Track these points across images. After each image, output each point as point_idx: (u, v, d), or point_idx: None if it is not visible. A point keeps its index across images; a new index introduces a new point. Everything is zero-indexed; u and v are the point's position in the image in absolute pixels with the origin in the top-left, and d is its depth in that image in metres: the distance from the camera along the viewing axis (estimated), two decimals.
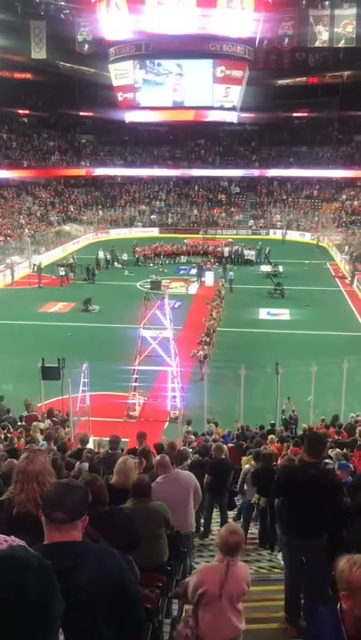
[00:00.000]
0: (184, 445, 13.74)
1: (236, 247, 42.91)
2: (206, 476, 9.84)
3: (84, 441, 11.10)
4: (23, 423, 14.87)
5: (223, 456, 10.18)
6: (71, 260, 38.21)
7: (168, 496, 5.63)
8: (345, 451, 10.45)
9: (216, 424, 16.26)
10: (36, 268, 36.22)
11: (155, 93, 42.77)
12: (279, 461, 9.83)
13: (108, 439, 10.71)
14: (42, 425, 14.61)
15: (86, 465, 7.94)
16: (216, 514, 10.56)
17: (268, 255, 40.38)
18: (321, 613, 2.81)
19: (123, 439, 11.18)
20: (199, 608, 4.15)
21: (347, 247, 42.98)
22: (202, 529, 10.18)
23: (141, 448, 9.00)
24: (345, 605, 2.57)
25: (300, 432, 15.09)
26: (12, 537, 1.78)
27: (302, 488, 5.45)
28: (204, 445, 12.04)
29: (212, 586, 4.07)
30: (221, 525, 10.01)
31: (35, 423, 15.04)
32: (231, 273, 35.71)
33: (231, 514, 10.64)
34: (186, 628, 4.19)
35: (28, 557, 1.62)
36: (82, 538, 2.54)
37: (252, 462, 10.06)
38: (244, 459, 11.37)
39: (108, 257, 40.56)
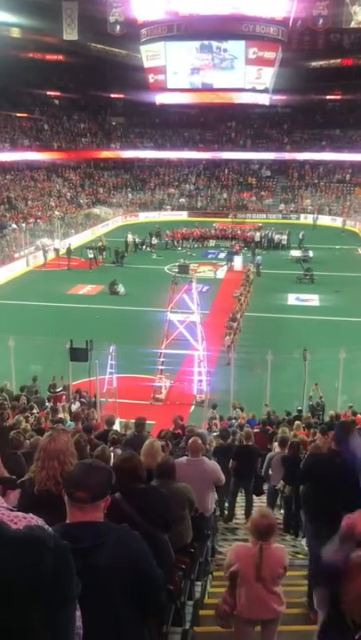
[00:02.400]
0: (208, 429, 13.77)
1: (267, 231, 42.58)
2: (231, 460, 9.87)
3: (111, 422, 11.17)
4: (51, 404, 15.03)
5: (250, 442, 10.20)
6: (100, 243, 38.30)
7: (188, 480, 5.62)
8: None
9: (242, 409, 16.24)
10: (65, 251, 36.38)
11: (186, 75, 42.35)
12: (304, 448, 9.78)
13: (134, 421, 10.78)
14: (73, 407, 14.77)
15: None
16: (240, 498, 10.57)
17: (303, 240, 39.92)
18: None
19: (148, 422, 11.22)
20: (236, 586, 4.17)
21: None
22: (226, 512, 10.22)
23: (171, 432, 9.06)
24: None
25: (326, 419, 14.98)
26: (31, 514, 1.77)
27: (329, 476, 5.41)
28: (225, 429, 12.01)
29: (246, 567, 4.08)
30: (246, 510, 10.05)
31: (63, 404, 15.21)
32: (259, 257, 35.46)
33: (258, 501, 10.63)
34: (224, 604, 4.23)
35: (44, 537, 1.61)
36: (111, 518, 2.54)
37: (278, 449, 10.05)
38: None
39: (137, 240, 40.54)
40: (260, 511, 4.42)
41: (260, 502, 10.65)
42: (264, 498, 10.49)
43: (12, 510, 1.79)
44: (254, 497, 10.36)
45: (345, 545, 2.74)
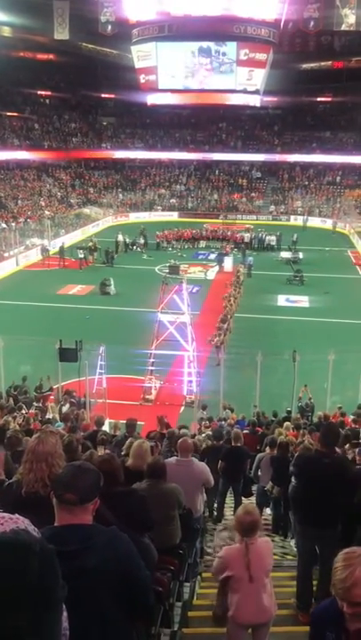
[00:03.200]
0: (198, 431, 13.78)
1: (258, 233, 42.68)
2: (220, 461, 9.87)
3: (100, 423, 11.15)
4: (40, 404, 14.98)
5: (239, 444, 10.20)
6: (90, 243, 38.23)
7: (178, 480, 5.62)
8: None
9: (232, 410, 16.25)
10: (58, 250, 36.28)
11: (177, 76, 42.35)
12: (293, 449, 9.80)
13: (123, 422, 10.76)
14: (64, 408, 14.72)
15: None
16: (230, 499, 10.58)
17: (296, 242, 39.99)
18: (325, 602, 2.80)
19: (139, 422, 11.21)
20: (228, 591, 4.17)
21: None
22: (215, 513, 10.23)
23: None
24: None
25: (316, 420, 15.02)
26: (17, 515, 1.75)
27: (317, 477, 5.46)
28: (218, 430, 12.04)
29: (238, 569, 4.08)
30: (235, 511, 10.06)
31: (51, 404, 15.16)
32: (250, 258, 35.53)
33: (248, 502, 10.64)
34: (218, 608, 4.25)
35: (29, 541, 1.60)
36: (92, 520, 2.54)
37: (267, 449, 10.07)
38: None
39: (128, 240, 40.51)
40: (245, 508, 4.43)
41: (249, 503, 10.68)
42: (253, 498, 10.51)
43: None
44: (243, 498, 10.37)
45: None
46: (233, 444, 10.12)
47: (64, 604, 1.79)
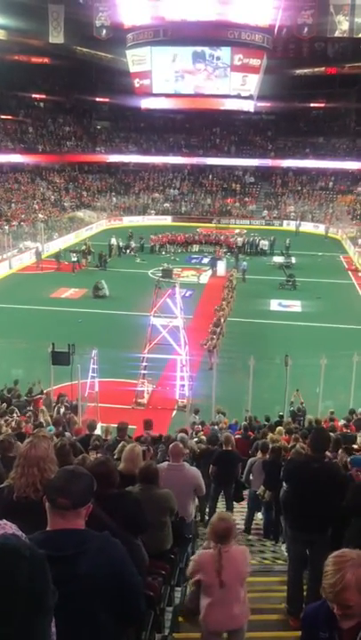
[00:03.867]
0: (191, 434, 13.77)
1: (251, 237, 42.79)
2: (211, 465, 9.86)
3: (92, 427, 11.13)
4: (31, 408, 14.95)
5: (230, 447, 10.19)
6: (83, 247, 38.22)
7: (169, 484, 5.63)
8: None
9: (224, 414, 16.27)
10: (55, 254, 36.34)
11: (172, 80, 42.49)
12: (285, 454, 9.81)
13: (115, 426, 10.75)
14: (61, 411, 14.70)
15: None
16: (222, 504, 10.58)
17: (289, 247, 40.12)
18: (315, 603, 2.81)
19: (130, 426, 11.20)
20: (201, 595, 4.17)
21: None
22: (207, 518, 10.21)
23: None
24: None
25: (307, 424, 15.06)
26: (4, 521, 1.76)
27: (307, 481, 5.48)
28: (213, 434, 12.05)
29: (210, 574, 4.07)
30: (202, 519, 10.01)
31: (42, 408, 15.13)
32: (245, 263, 35.59)
33: (239, 506, 10.66)
34: (190, 602, 4.26)
35: (19, 546, 1.61)
36: (87, 522, 2.55)
37: (259, 454, 10.09)
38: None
39: (121, 244, 40.51)
40: (219, 514, 4.44)
41: (240, 507, 10.70)
42: (245, 503, 10.52)
43: None
44: (235, 502, 10.37)
45: None
46: (224, 448, 10.09)
47: (55, 609, 1.81)
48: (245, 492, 10.38)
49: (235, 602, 4.12)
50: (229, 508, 10.16)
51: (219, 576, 4.03)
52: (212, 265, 36.42)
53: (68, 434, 10.66)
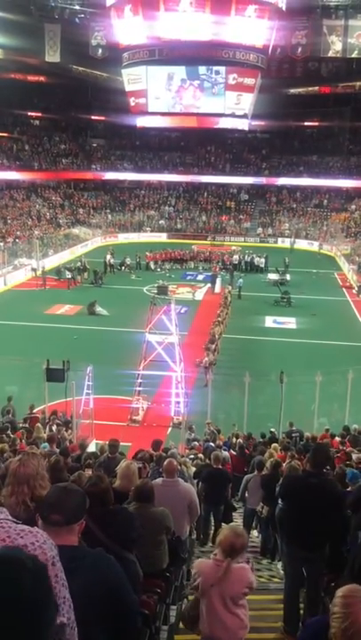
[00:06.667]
0: (187, 453, 13.70)
1: (247, 254, 42.99)
2: (200, 483, 9.65)
3: (84, 446, 11.05)
4: (26, 425, 14.86)
5: (220, 466, 9.97)
6: (78, 263, 38.31)
7: (164, 501, 5.58)
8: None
9: (218, 431, 16.19)
10: (41, 271, 36.37)
11: (167, 99, 42.83)
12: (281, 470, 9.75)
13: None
14: (49, 431, 14.60)
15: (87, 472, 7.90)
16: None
17: (289, 265, 40.26)
18: (309, 624, 2.68)
19: (125, 443, 11.15)
20: (201, 602, 4.12)
21: (357, 257, 42.95)
22: (202, 536, 10.12)
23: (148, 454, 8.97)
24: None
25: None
26: (37, 528, 1.78)
27: (304, 498, 5.44)
28: (210, 451, 11.86)
29: (206, 582, 4.02)
30: (215, 535, 9.81)
31: (38, 425, 15.04)
32: (240, 280, 35.72)
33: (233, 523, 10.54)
34: (190, 609, 4.19)
35: (22, 558, 1.62)
36: (79, 541, 2.53)
37: (256, 471, 10.00)
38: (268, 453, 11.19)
39: (113, 261, 40.50)
40: (235, 529, 4.37)
41: (235, 524, 10.60)
42: (240, 519, 10.41)
43: (17, 523, 1.80)
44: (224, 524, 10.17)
45: None
46: (214, 467, 9.78)
47: None
48: (241, 510, 10.26)
49: (227, 615, 4.07)
50: (217, 530, 9.83)
51: (210, 587, 3.99)
52: (213, 282, 36.45)
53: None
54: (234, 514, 10.61)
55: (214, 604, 4.00)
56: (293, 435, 16.04)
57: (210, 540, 9.93)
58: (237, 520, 10.55)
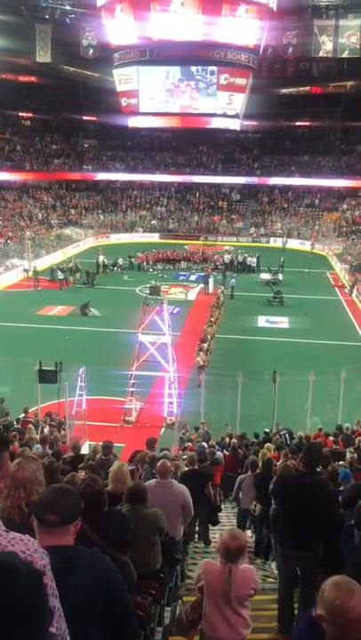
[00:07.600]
0: (180, 453, 13.68)
1: (238, 254, 43.02)
2: None
3: (77, 448, 11.01)
4: (19, 426, 14.80)
5: (196, 466, 9.61)
6: (71, 264, 38.24)
7: (158, 502, 5.56)
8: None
9: (209, 435, 16.11)
10: (32, 272, 36.28)
11: (158, 99, 42.82)
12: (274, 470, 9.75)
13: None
14: (45, 430, 14.55)
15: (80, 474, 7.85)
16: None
17: (283, 265, 40.37)
18: (300, 620, 2.68)
19: (118, 444, 11.12)
20: (204, 601, 4.10)
21: (349, 256, 43.10)
22: (196, 536, 10.07)
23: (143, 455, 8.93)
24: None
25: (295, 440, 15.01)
26: (27, 536, 1.76)
27: (297, 497, 5.44)
28: (202, 452, 11.80)
29: (211, 585, 4.01)
30: (199, 538, 9.76)
31: (30, 426, 14.99)
32: (233, 280, 35.75)
33: (229, 523, 10.53)
34: (185, 615, 4.15)
35: (18, 563, 1.61)
36: (74, 542, 2.52)
37: (250, 472, 9.98)
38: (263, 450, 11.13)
39: (106, 261, 40.46)
40: (231, 532, 4.36)
41: (229, 524, 10.59)
42: (226, 519, 10.38)
43: (7, 532, 1.79)
44: (223, 517, 10.19)
45: None
46: (190, 467, 9.45)
47: None
48: (225, 514, 10.14)
49: (235, 617, 4.07)
50: (203, 532, 9.66)
51: (226, 594, 3.98)
52: (205, 282, 36.45)
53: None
54: (221, 514, 10.59)
55: (219, 605, 4.00)
56: (281, 432, 16.02)
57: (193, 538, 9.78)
58: (224, 520, 10.53)
